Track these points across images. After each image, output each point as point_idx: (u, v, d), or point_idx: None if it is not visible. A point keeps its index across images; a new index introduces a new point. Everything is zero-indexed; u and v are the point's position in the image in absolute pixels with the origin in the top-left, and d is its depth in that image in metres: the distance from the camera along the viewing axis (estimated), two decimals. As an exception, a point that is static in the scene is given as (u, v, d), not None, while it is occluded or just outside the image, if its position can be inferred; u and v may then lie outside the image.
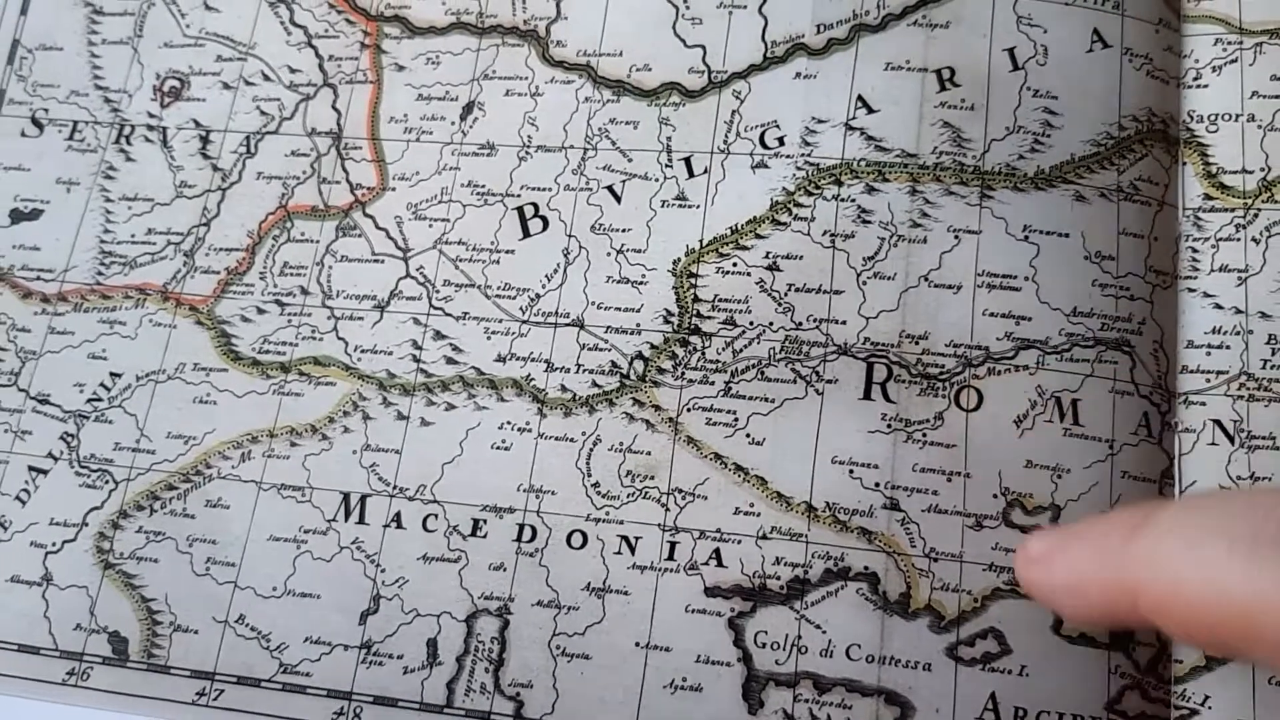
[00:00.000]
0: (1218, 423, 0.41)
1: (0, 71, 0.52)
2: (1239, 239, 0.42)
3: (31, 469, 0.47)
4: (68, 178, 0.50)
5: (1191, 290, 0.42)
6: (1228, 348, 0.42)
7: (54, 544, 0.46)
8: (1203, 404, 0.41)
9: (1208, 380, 0.41)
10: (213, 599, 0.44)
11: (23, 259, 0.49)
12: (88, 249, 0.49)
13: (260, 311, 0.47)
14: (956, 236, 0.43)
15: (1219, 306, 0.42)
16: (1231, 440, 0.41)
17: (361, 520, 0.44)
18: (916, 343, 0.42)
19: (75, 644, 0.44)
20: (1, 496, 0.46)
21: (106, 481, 0.46)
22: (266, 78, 0.50)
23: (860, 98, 0.45)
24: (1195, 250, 0.43)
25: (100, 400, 0.47)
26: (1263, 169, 0.43)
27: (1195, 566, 0.27)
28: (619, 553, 0.42)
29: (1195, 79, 0.44)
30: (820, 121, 0.45)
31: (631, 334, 0.44)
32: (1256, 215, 0.42)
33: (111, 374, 0.47)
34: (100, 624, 0.44)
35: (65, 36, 0.52)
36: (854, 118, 0.45)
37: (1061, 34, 0.44)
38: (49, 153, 0.51)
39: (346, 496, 0.44)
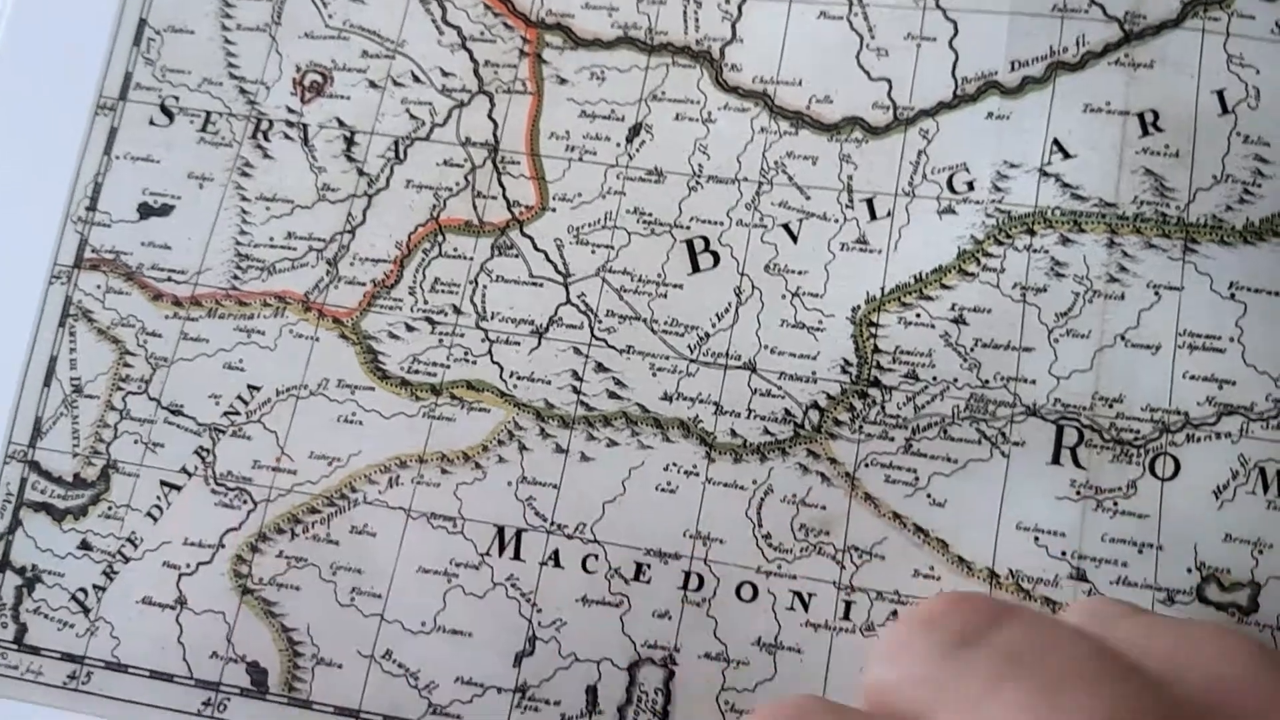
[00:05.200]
0: None
1: (126, 54, 0.52)
2: None
3: (164, 484, 0.47)
4: (200, 172, 0.51)
5: None
6: None
7: (188, 565, 0.46)
8: (1404, 487, 0.43)
9: None
10: (358, 631, 0.45)
11: (153, 258, 0.50)
12: (223, 250, 0.50)
13: (409, 329, 0.48)
14: (1157, 293, 0.44)
15: None
16: None
17: (517, 556, 0.45)
18: (1110, 406, 0.43)
19: (211, 673, 0.45)
20: (132, 512, 0.47)
21: (244, 501, 0.47)
22: (416, 79, 0.50)
23: (1056, 141, 0.46)
24: (1402, 322, 0.44)
25: (237, 414, 0.48)
26: None
27: None
28: (791, 609, 0.43)
29: None
30: (1013, 166, 0.46)
31: (807, 382, 0.45)
32: None
33: (249, 386, 0.48)
34: (238, 653, 0.45)
35: (196, 19, 0.53)
36: (1049, 163, 0.46)
37: (1276, 74, 0.45)
38: (180, 144, 0.51)
39: (501, 530, 0.45)
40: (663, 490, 0.45)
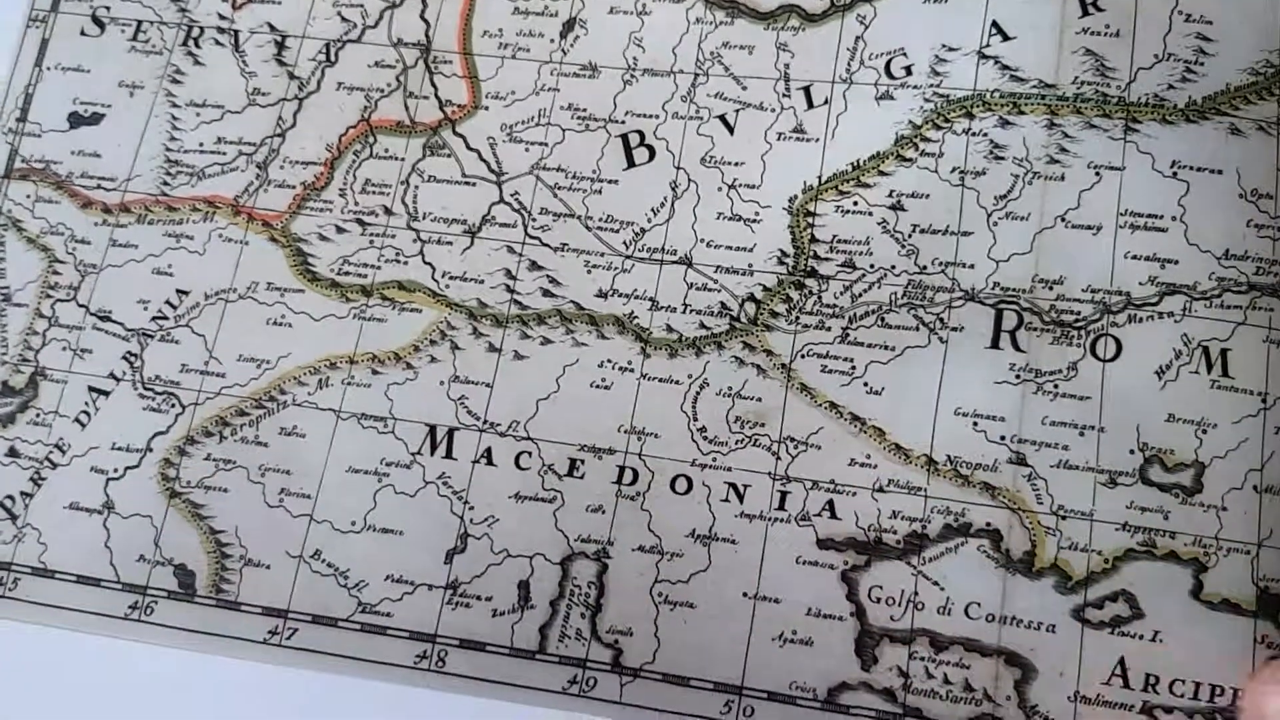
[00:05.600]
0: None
1: (57, -36, 0.52)
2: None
3: (92, 390, 0.47)
4: (131, 80, 0.50)
5: (1360, 237, 0.43)
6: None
7: (116, 470, 0.46)
8: (1352, 366, 0.42)
9: (1357, 341, 0.42)
10: (286, 532, 0.44)
11: (82, 166, 0.49)
12: (152, 157, 0.49)
13: (340, 230, 0.47)
14: (1097, 173, 0.43)
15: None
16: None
17: (449, 455, 0.44)
18: (1051, 288, 0.42)
19: (139, 576, 0.44)
20: (60, 418, 0.46)
21: (172, 405, 0.46)
22: (349, -18, 0.50)
23: (995, 23, 0.45)
24: (1350, 201, 0.43)
25: (166, 319, 0.47)
26: None
27: None
28: (726, 500, 0.42)
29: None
30: (951, 49, 0.45)
31: (743, 274, 0.44)
32: None
33: (178, 291, 0.47)
34: (165, 556, 0.45)
35: (127, -71, 0.52)
36: (988, 45, 0.45)
37: (1216, -44, 0.44)
38: (110, 53, 0.51)
39: (433, 429, 0.45)
40: (597, 387, 0.44)
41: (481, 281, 0.46)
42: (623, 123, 0.47)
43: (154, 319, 0.47)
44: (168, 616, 0.44)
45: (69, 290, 0.48)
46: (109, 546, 0.45)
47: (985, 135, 0.44)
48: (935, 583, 0.41)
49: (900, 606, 0.41)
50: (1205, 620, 0.39)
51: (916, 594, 0.41)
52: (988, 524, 0.41)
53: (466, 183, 0.47)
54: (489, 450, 0.44)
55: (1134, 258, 0.42)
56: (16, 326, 0.48)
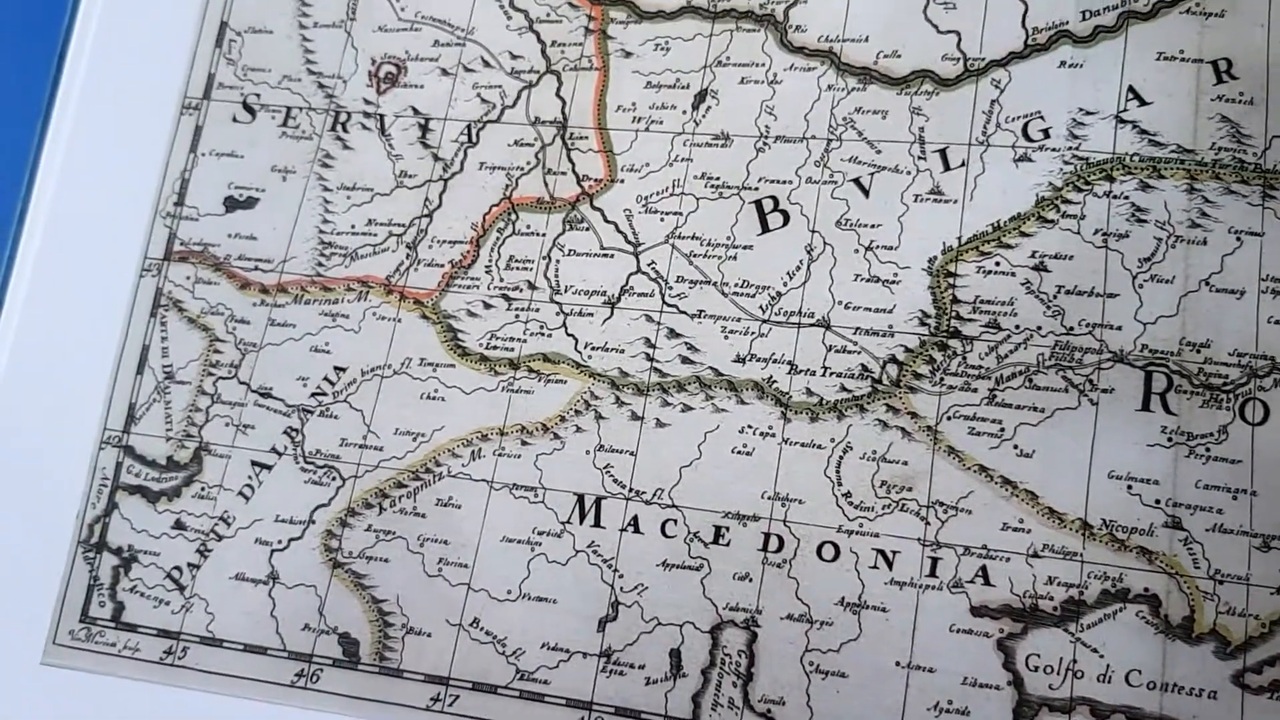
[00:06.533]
0: None
1: (209, 55, 0.54)
2: None
3: (255, 464, 0.48)
4: (283, 165, 0.52)
5: None
6: None
7: (280, 541, 0.47)
8: None
9: None
10: (446, 601, 0.45)
11: (239, 248, 0.51)
12: (307, 239, 0.51)
13: (487, 306, 0.48)
14: (1238, 238, 0.43)
15: None
16: None
17: (597, 523, 0.45)
18: (1198, 351, 0.42)
19: (304, 645, 0.46)
20: (224, 492, 0.48)
21: (333, 478, 0.48)
22: (486, 64, 0.51)
23: (1131, 89, 0.45)
24: None
25: (324, 395, 0.49)
26: None
27: None
28: (875, 567, 0.43)
29: None
30: (1088, 113, 0.45)
31: (883, 336, 0.45)
32: None
33: (335, 368, 0.49)
34: (330, 625, 0.46)
35: (275, 19, 0.54)
36: (1125, 110, 0.45)
37: (1352, 22, 0.44)
38: (262, 139, 0.53)
39: (581, 498, 0.45)
40: (739, 453, 0.45)
41: (622, 351, 0.47)
42: (756, 189, 0.47)
43: (313, 395, 0.49)
44: (333, 684, 0.45)
45: (230, 368, 0.50)
46: (275, 616, 0.47)
47: (1126, 198, 0.44)
48: (1094, 650, 0.40)
49: (1059, 674, 0.40)
50: (1375, 688, 0.39)
51: (1075, 662, 0.40)
52: (1146, 589, 0.41)
53: (605, 255, 0.48)
54: (635, 518, 0.45)
55: (1277, 323, 0.42)
56: (180, 404, 0.50)
